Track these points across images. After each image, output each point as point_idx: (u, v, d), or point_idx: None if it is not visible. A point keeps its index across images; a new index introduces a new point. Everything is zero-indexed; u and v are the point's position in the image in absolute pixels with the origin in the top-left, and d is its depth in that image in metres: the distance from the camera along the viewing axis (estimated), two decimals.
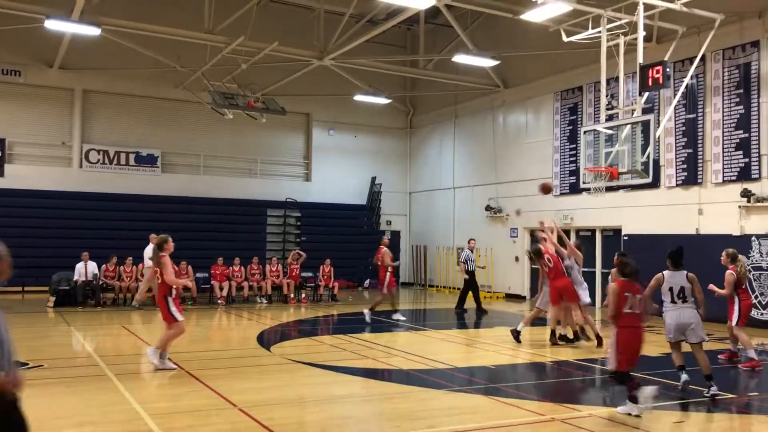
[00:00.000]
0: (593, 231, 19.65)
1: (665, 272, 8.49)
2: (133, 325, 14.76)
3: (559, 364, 10.62)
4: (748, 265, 15.12)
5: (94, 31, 17.05)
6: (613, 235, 18.99)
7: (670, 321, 8.42)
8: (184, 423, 6.89)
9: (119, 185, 22.54)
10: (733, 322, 10.54)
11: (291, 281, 20.09)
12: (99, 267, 18.41)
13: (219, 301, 18.77)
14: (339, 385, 8.95)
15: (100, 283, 18.27)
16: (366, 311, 15.27)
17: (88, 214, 21.30)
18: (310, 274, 20.82)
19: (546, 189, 13.91)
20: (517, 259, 22.21)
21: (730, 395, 8.50)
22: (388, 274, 15.45)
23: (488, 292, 22.50)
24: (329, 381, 9.14)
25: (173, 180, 23.53)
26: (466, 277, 17.99)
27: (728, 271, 10.55)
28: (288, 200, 24.98)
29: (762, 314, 14.93)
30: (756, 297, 15.01)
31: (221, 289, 19.08)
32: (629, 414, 7.21)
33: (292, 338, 13.62)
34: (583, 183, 15.65)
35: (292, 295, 19.91)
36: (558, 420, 7.06)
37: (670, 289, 8.41)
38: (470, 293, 18.05)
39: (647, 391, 7.19)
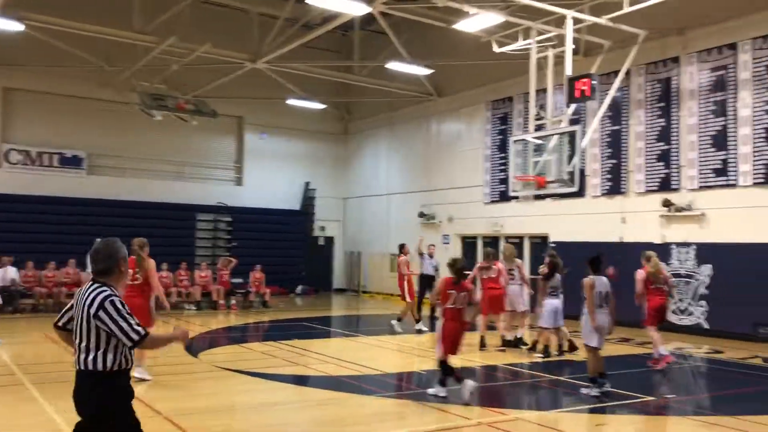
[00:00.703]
0: (521, 238, 20.07)
1: (593, 277, 8.75)
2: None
3: (487, 369, 10.79)
4: (669, 271, 15.74)
5: (17, 27, 16.41)
6: (540, 242, 19.44)
7: (600, 325, 8.61)
8: None
9: (42, 187, 21.68)
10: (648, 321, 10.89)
11: (221, 287, 19.78)
12: (19, 272, 17.72)
13: None
14: (269, 393, 8.85)
15: (20, 288, 17.56)
16: (394, 322, 15.03)
17: (9, 217, 20.39)
18: (240, 280, 20.53)
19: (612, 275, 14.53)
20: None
21: (650, 397, 8.81)
22: (406, 282, 15.35)
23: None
24: (259, 388, 9.03)
25: (99, 182, 22.80)
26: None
27: (639, 270, 10.98)
28: (219, 204, 24.60)
29: (681, 319, 15.54)
30: (675, 303, 15.63)
31: None
32: (436, 395, 8.16)
33: (221, 345, 13.39)
34: (513, 191, 15.99)
35: (221, 302, 19.60)
36: (485, 424, 7.17)
37: (599, 293, 8.67)
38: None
39: (468, 385, 8.02)
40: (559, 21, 14.84)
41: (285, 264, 25.22)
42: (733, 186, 14.94)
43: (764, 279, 14.05)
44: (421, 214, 23.44)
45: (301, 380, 9.83)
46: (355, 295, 26.23)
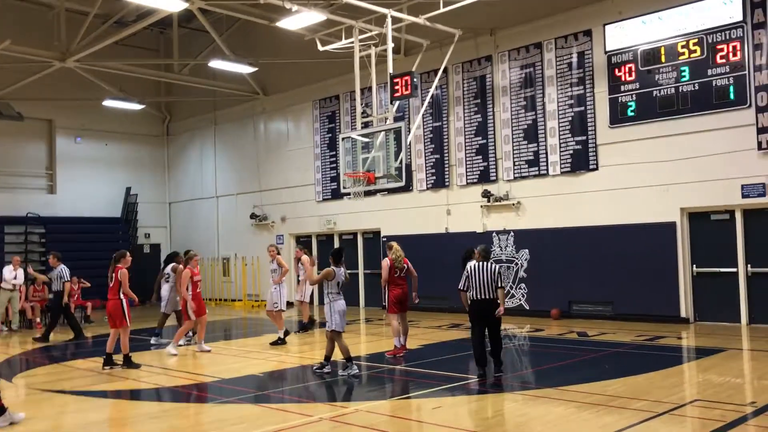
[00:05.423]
0: (355, 234, 20.38)
1: (334, 267, 9.62)
2: None
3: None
4: (492, 258, 16.66)
5: None
6: (373, 237, 19.84)
7: (340, 310, 9.56)
8: None
9: None
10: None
11: (36, 304, 18.24)
12: None
13: None
14: (96, 411, 8.27)
15: None
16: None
17: None
18: None
19: (555, 315, 15.60)
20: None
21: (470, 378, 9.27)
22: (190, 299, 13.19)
23: (256, 301, 22.36)
24: (85, 408, 8.41)
25: None
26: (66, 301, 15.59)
27: (384, 259, 11.51)
28: (29, 215, 22.67)
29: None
30: None
31: None
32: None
33: (39, 366, 12.34)
34: (344, 188, 16.17)
35: (38, 320, 18.08)
36: (326, 419, 7.18)
37: (338, 283, 9.65)
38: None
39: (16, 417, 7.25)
40: (380, 20, 15.20)
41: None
42: (544, 175, 16.11)
43: (575, 260, 15.30)
44: (253, 216, 23.07)
45: (132, 395, 9.29)
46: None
